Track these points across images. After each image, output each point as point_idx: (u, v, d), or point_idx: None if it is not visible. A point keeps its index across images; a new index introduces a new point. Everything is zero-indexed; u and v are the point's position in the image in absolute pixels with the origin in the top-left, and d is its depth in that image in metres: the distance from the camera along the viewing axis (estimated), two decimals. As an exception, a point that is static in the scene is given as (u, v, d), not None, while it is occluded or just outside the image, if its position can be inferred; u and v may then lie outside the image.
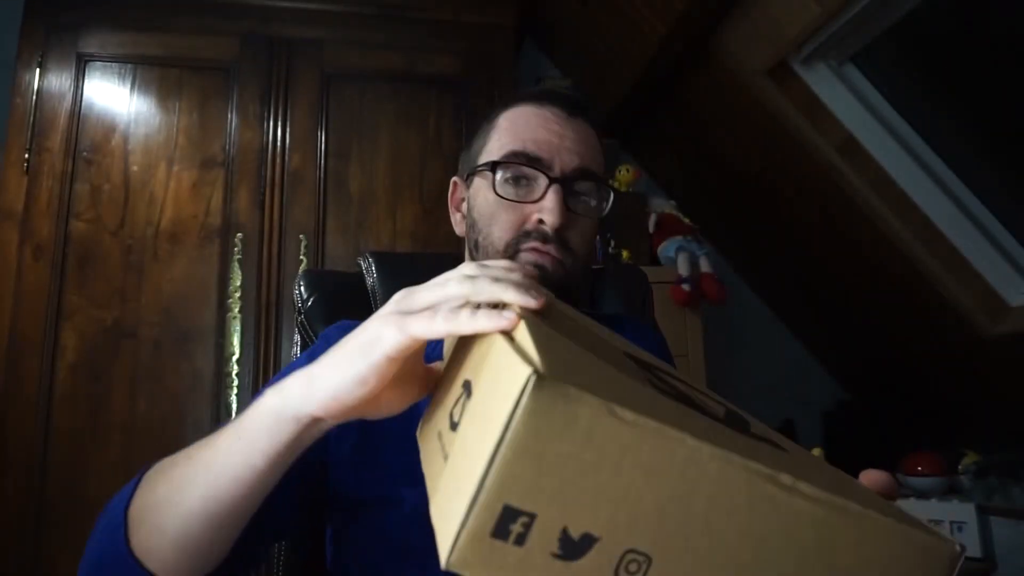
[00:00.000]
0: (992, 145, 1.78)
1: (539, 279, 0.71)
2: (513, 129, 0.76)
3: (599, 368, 0.37)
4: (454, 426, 0.37)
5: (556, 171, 0.73)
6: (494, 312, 0.37)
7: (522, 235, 0.73)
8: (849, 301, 2.31)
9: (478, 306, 0.40)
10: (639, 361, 0.45)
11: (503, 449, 0.29)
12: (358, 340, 0.43)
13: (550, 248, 0.72)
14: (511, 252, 0.73)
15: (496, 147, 0.76)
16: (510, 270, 0.43)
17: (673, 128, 2.38)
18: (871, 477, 0.43)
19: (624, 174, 2.32)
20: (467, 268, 0.43)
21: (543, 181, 0.73)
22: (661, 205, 2.30)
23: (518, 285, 0.40)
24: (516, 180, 0.74)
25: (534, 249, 0.73)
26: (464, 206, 0.82)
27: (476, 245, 0.77)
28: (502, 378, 0.32)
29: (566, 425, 0.29)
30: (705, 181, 2.49)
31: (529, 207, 0.73)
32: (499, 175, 0.74)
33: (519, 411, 0.29)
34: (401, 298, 0.43)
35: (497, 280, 0.40)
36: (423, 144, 1.93)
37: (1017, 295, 1.77)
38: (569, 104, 0.78)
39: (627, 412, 0.30)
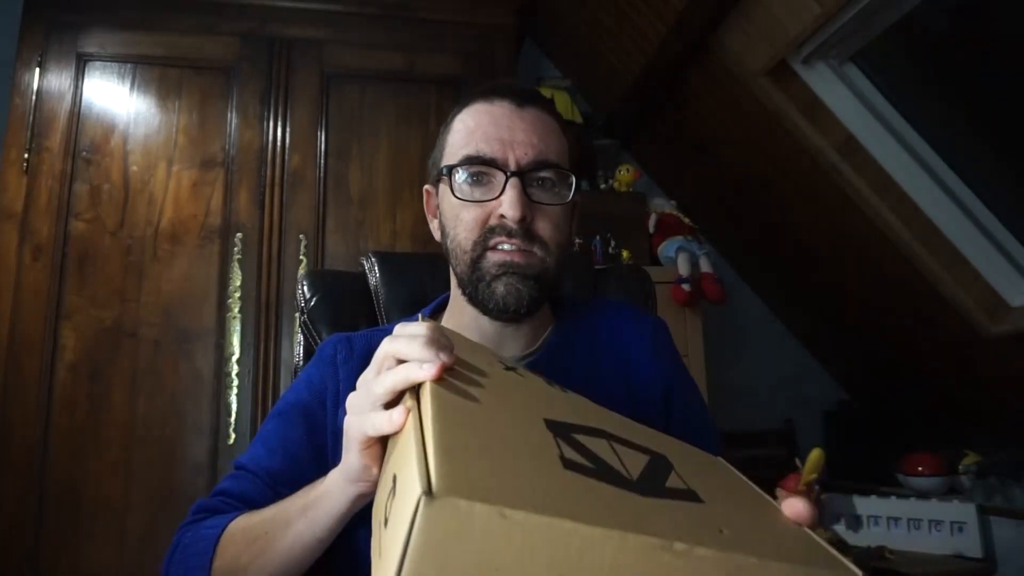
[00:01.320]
0: (993, 145, 1.79)
1: (512, 276, 0.73)
2: (465, 130, 0.77)
3: (501, 456, 0.39)
4: (386, 522, 0.39)
5: (512, 166, 0.73)
6: (393, 411, 0.47)
7: (487, 232, 0.74)
8: (849, 301, 2.31)
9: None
10: (556, 424, 0.47)
11: (407, 563, 0.32)
12: (344, 438, 0.56)
13: (516, 241, 0.73)
14: (479, 251, 0.74)
15: (451, 151, 0.77)
16: (412, 338, 0.50)
17: (673, 128, 2.38)
18: (790, 507, 0.47)
19: (624, 174, 2.32)
20: (370, 368, 0.54)
21: (501, 177, 0.73)
22: (661, 205, 2.30)
23: (413, 363, 0.48)
24: (475, 180, 0.75)
25: (500, 247, 0.74)
26: (438, 210, 0.82)
27: (448, 250, 0.78)
28: (407, 489, 0.34)
29: (461, 533, 0.32)
30: (705, 181, 2.49)
31: (491, 204, 0.74)
32: (457, 179, 0.75)
33: (415, 529, 0.32)
34: (352, 398, 0.55)
35: (393, 371, 0.50)
36: (423, 144, 1.93)
37: (1017, 295, 1.77)
38: (519, 95, 0.78)
39: (519, 513, 0.32)
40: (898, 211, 1.80)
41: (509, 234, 0.73)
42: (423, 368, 0.47)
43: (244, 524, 0.64)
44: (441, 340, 0.50)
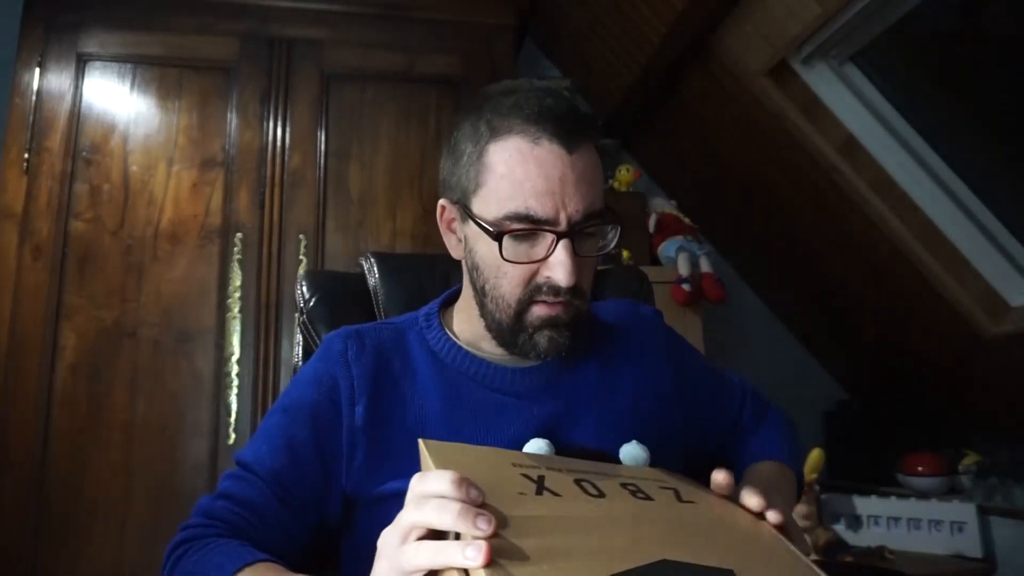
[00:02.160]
0: (993, 145, 1.79)
1: (553, 329, 0.72)
2: (511, 177, 0.69)
3: None
4: None
5: (563, 225, 0.68)
6: None
7: (533, 289, 0.71)
8: (849, 301, 2.31)
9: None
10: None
11: None
12: None
13: (561, 299, 0.71)
14: (524, 305, 0.72)
15: (493, 198, 0.70)
16: (441, 505, 0.45)
17: (673, 128, 2.38)
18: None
19: (624, 174, 2.32)
20: (393, 534, 0.48)
21: (549, 237, 0.69)
22: (661, 205, 2.30)
23: (454, 547, 0.43)
24: (521, 237, 0.70)
25: (544, 301, 0.72)
26: (459, 232, 0.78)
27: (483, 291, 0.74)
28: None
29: None
30: (705, 181, 2.49)
31: (538, 262, 0.71)
32: (503, 239, 0.70)
33: None
34: (377, 572, 0.49)
35: (429, 551, 0.45)
36: (423, 144, 1.93)
37: (1017, 295, 1.77)
38: (568, 136, 0.69)
39: None
40: (898, 211, 1.80)
41: (556, 293, 0.71)
42: (467, 556, 0.42)
43: None
44: (474, 497, 0.45)
